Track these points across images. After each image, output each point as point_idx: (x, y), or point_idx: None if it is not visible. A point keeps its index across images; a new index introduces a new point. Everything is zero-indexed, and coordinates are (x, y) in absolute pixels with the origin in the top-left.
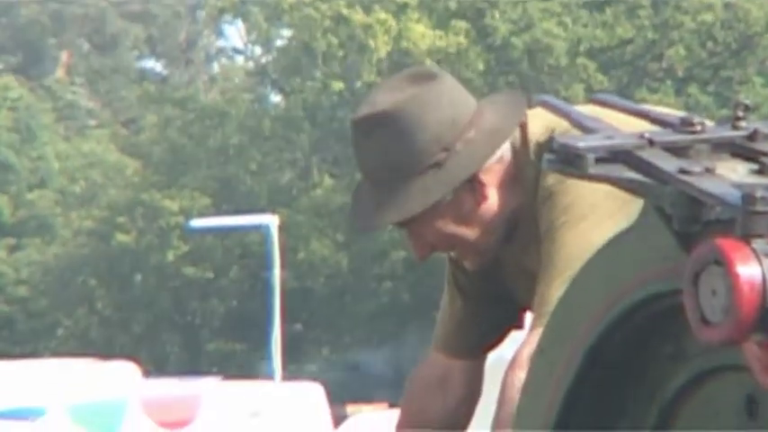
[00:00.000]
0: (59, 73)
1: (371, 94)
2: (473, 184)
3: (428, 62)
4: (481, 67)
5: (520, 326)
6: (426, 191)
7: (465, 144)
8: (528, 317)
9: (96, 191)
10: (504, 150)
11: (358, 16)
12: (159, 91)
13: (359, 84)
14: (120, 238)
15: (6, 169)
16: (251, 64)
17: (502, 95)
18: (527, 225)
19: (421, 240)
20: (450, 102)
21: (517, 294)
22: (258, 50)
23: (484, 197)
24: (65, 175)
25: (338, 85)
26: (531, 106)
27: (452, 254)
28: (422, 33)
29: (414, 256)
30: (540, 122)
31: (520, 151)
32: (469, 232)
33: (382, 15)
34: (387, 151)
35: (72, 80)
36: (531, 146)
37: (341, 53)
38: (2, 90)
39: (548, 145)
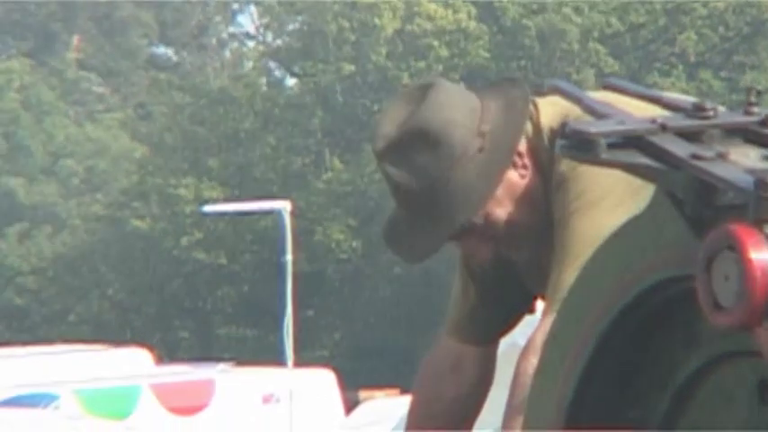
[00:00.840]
0: (69, 58)
1: (380, 126)
2: (513, 159)
3: (436, 42)
4: (489, 49)
5: (532, 310)
6: (486, 174)
7: (493, 125)
8: (539, 303)
9: (107, 176)
10: (521, 142)
11: None
12: (170, 77)
13: (369, 66)
14: (135, 223)
15: (22, 151)
16: (262, 48)
17: (495, 82)
18: (542, 212)
19: (483, 239)
20: (460, 95)
21: (529, 280)
22: (270, 35)
23: (526, 166)
24: (75, 160)
25: (349, 68)
26: (542, 91)
27: (513, 249)
28: (434, 10)
29: (475, 262)
30: (553, 109)
31: (533, 140)
32: (524, 211)
33: None
34: (427, 162)
35: (82, 65)
36: (545, 132)
37: (352, 37)
38: (11, 73)
39: (561, 131)
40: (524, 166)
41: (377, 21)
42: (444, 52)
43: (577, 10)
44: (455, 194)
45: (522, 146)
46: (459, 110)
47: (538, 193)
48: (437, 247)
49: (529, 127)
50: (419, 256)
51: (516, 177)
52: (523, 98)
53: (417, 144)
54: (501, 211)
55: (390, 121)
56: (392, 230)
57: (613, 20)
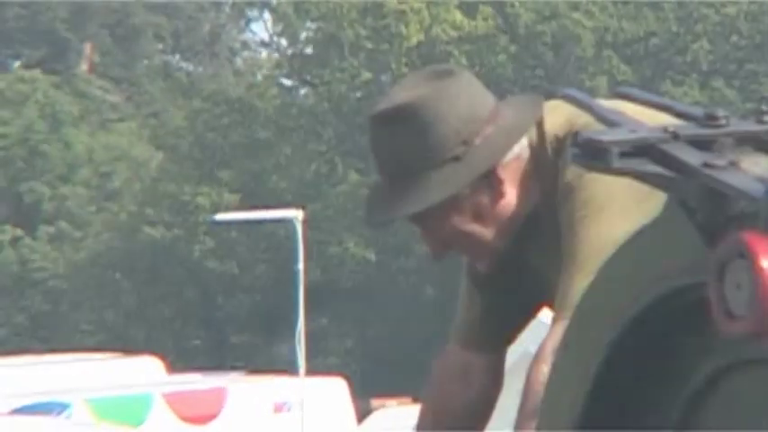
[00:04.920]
0: (83, 66)
1: (390, 91)
2: (491, 180)
3: (455, 51)
4: (507, 57)
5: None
6: (445, 183)
7: (484, 139)
8: (546, 311)
9: (121, 185)
10: (522, 148)
11: (392, 3)
12: (185, 84)
13: (387, 75)
14: (148, 231)
15: (43, 159)
16: (276, 55)
17: (518, 96)
18: (546, 220)
19: (436, 237)
20: (468, 97)
21: (536, 289)
22: (284, 43)
23: (501, 194)
24: (90, 169)
25: (366, 76)
26: (552, 98)
27: (465, 256)
28: (459, 20)
29: (430, 255)
30: (558, 116)
31: (537, 148)
32: (485, 231)
33: (416, 5)
34: (405, 145)
35: (95, 73)
36: (549, 140)
37: (369, 44)
38: (33, 82)
39: (567, 139)
40: (500, 193)
41: (403, 29)
42: (463, 60)
43: (588, 13)
44: (416, 185)
45: (508, 171)
46: (459, 110)
47: (515, 217)
48: (387, 222)
49: (534, 133)
50: (372, 223)
51: (486, 199)
52: (526, 122)
53: (403, 123)
54: (459, 220)
55: (398, 91)
56: (370, 193)
57: (625, 25)
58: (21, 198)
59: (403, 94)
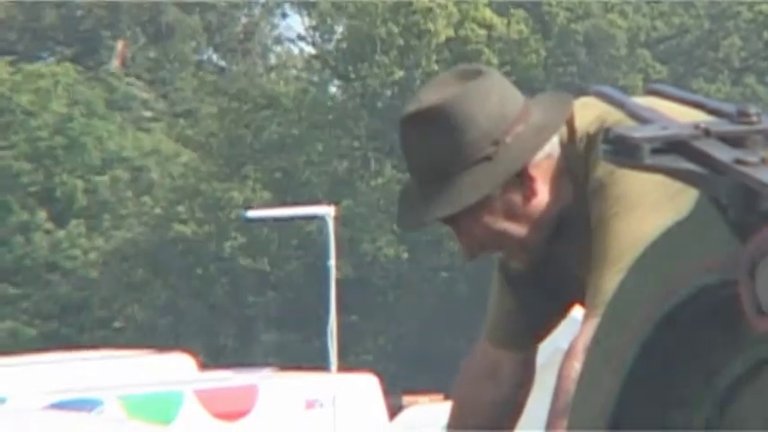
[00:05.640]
0: (115, 63)
1: (420, 92)
2: (523, 179)
3: (487, 50)
4: (538, 55)
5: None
6: (477, 184)
7: (514, 138)
8: (577, 308)
9: (153, 181)
10: (553, 146)
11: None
12: (217, 81)
13: (419, 72)
14: (179, 228)
15: (79, 152)
16: (311, 50)
17: (548, 94)
18: (578, 218)
19: (470, 238)
20: (498, 97)
21: (567, 286)
22: (318, 39)
23: (533, 192)
24: (122, 166)
25: (399, 74)
26: (584, 95)
27: (501, 254)
28: (489, 17)
29: (462, 255)
30: (589, 114)
31: (568, 146)
32: (518, 229)
33: (443, 1)
34: (436, 147)
35: (127, 71)
36: (580, 138)
37: (401, 41)
38: (56, 76)
39: (598, 136)
40: (532, 192)
41: (430, 26)
42: (495, 59)
43: (622, 13)
44: (448, 187)
45: (539, 170)
46: (489, 110)
47: (547, 215)
48: (419, 226)
49: (564, 131)
50: (406, 227)
51: (518, 198)
52: (557, 121)
53: (433, 124)
54: (491, 220)
55: (427, 92)
56: (401, 194)
57: (659, 23)
58: (54, 190)
59: (432, 95)
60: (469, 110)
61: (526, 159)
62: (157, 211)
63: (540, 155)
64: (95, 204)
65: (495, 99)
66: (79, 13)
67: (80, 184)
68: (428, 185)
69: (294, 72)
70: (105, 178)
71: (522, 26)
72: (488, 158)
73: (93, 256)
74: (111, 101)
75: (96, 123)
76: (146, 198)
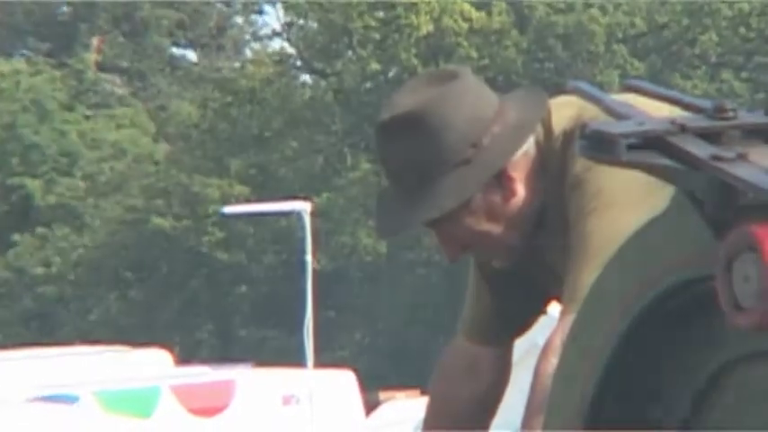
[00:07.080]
0: (91, 59)
1: (394, 97)
2: (501, 180)
3: (465, 43)
4: (517, 50)
5: (545, 312)
6: (458, 187)
7: (492, 139)
8: (554, 305)
9: (128, 176)
10: (529, 144)
11: None
12: (193, 74)
13: (396, 68)
14: (156, 222)
15: (35, 153)
16: (283, 45)
17: (522, 91)
18: (555, 215)
19: (451, 240)
20: (473, 99)
21: (544, 283)
22: (293, 33)
23: (512, 192)
24: (95, 161)
25: (375, 66)
26: (562, 92)
27: (482, 254)
28: (467, 10)
29: (445, 257)
30: (565, 111)
31: (544, 143)
32: (499, 229)
33: None
34: (414, 152)
35: (102, 66)
36: (556, 135)
37: (377, 35)
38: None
39: (575, 133)
40: (511, 192)
41: (413, 19)
42: (473, 53)
43: (603, 9)
44: (428, 192)
45: (517, 170)
46: (465, 112)
47: (527, 213)
48: (401, 232)
49: (540, 130)
50: (385, 233)
51: (497, 198)
52: (533, 119)
53: (410, 130)
54: (473, 221)
55: (402, 97)
56: (379, 201)
57: (637, 20)
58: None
59: (407, 100)
60: (446, 114)
61: (505, 160)
62: (129, 206)
63: (519, 152)
64: (64, 204)
65: (470, 101)
66: (54, 7)
67: (38, 185)
68: (408, 191)
69: (270, 69)
70: (78, 173)
71: (504, 17)
72: (467, 161)
73: (67, 252)
74: (85, 96)
75: (67, 118)
76: (121, 193)
